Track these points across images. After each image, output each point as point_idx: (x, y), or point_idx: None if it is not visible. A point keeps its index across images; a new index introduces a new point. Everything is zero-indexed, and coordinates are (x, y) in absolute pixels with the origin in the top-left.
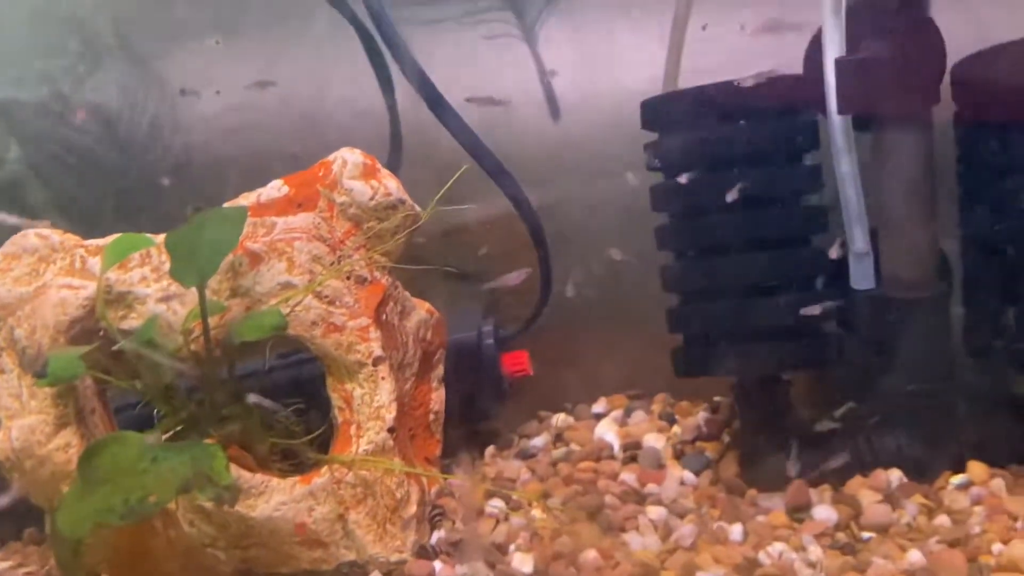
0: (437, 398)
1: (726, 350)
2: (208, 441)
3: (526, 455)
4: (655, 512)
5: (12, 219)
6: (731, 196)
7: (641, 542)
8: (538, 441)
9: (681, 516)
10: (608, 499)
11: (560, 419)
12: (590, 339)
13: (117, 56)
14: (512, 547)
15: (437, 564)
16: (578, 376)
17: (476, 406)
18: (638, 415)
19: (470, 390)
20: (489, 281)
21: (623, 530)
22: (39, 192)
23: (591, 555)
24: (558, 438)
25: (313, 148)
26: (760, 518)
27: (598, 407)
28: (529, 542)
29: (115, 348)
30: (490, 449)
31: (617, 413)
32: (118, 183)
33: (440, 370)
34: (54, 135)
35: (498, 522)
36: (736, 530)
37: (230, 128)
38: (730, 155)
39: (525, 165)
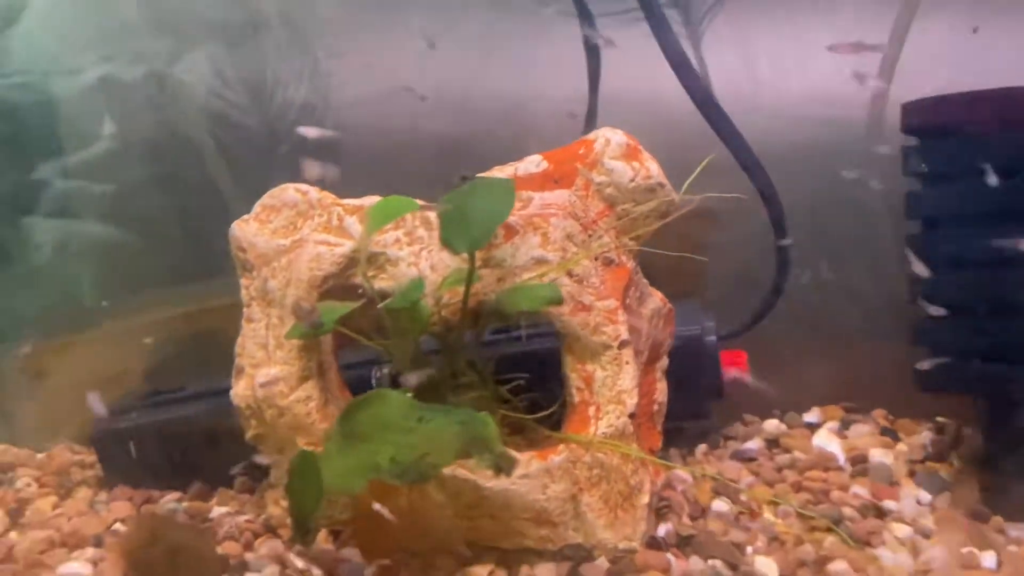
0: (661, 389)
1: (979, 368)
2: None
3: (743, 457)
4: (900, 530)
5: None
6: None
7: (893, 558)
8: (752, 444)
9: (925, 536)
10: (846, 511)
11: (772, 425)
12: (801, 346)
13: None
14: (750, 549)
15: (669, 556)
16: (786, 382)
17: (692, 403)
18: (858, 428)
19: (687, 386)
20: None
21: (868, 544)
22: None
23: (841, 566)
24: (774, 443)
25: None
26: (1012, 548)
27: (810, 416)
28: (767, 546)
29: (380, 306)
30: (702, 447)
31: (832, 424)
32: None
33: (665, 361)
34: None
35: (730, 523)
36: (988, 557)
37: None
38: (1005, 164)
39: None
